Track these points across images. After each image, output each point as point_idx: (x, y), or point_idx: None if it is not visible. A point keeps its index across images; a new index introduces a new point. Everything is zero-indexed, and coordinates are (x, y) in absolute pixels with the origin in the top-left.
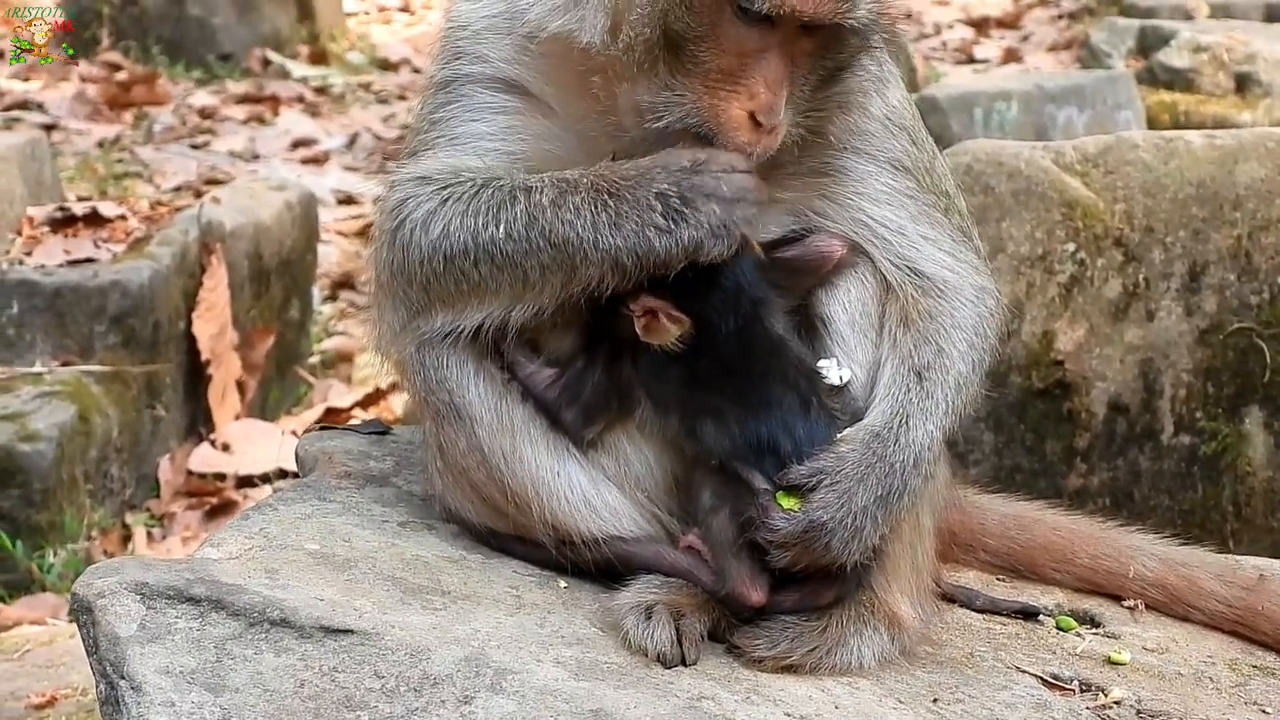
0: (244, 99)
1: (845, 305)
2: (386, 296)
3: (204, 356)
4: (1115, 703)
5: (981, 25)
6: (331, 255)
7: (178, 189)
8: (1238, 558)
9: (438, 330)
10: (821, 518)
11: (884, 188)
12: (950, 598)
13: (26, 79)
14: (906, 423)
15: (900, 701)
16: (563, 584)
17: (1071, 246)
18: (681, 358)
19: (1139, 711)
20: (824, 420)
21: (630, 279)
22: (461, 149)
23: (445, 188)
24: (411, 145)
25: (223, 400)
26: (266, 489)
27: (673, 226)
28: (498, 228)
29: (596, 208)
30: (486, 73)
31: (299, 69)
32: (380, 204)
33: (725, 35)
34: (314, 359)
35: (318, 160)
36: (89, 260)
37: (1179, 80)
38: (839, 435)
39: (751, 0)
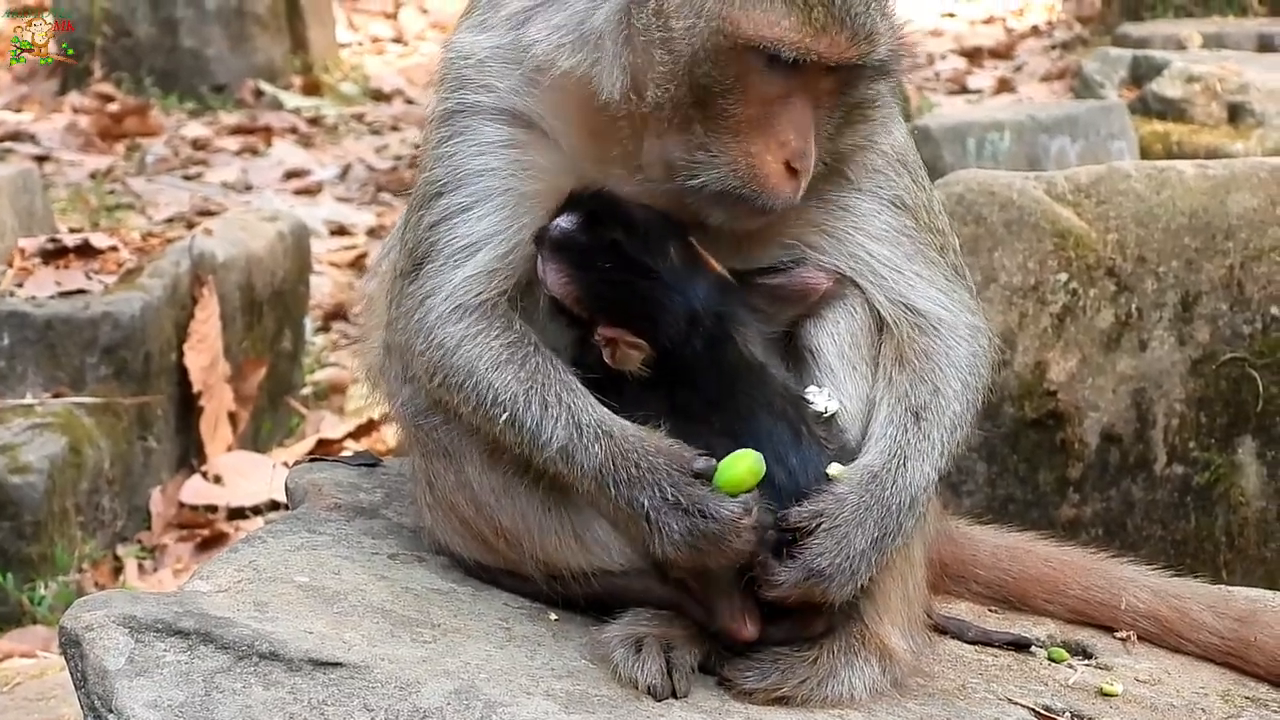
0: (237, 130)
1: (834, 337)
2: (388, 355)
3: (195, 388)
4: None
5: (974, 56)
6: (324, 286)
7: (170, 220)
8: (1230, 589)
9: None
10: (820, 565)
11: (884, 225)
12: (942, 629)
13: (19, 109)
14: (904, 464)
15: None
16: (553, 616)
17: (1064, 276)
18: (658, 387)
19: None
20: (815, 447)
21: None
22: (471, 199)
23: (485, 322)
24: (420, 186)
25: (214, 432)
26: (259, 521)
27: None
28: (523, 398)
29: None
30: (492, 103)
31: (292, 100)
32: (406, 274)
33: (751, 85)
34: (306, 390)
35: (310, 191)
36: (80, 292)
37: (1172, 110)
38: (834, 472)
39: (780, 50)
